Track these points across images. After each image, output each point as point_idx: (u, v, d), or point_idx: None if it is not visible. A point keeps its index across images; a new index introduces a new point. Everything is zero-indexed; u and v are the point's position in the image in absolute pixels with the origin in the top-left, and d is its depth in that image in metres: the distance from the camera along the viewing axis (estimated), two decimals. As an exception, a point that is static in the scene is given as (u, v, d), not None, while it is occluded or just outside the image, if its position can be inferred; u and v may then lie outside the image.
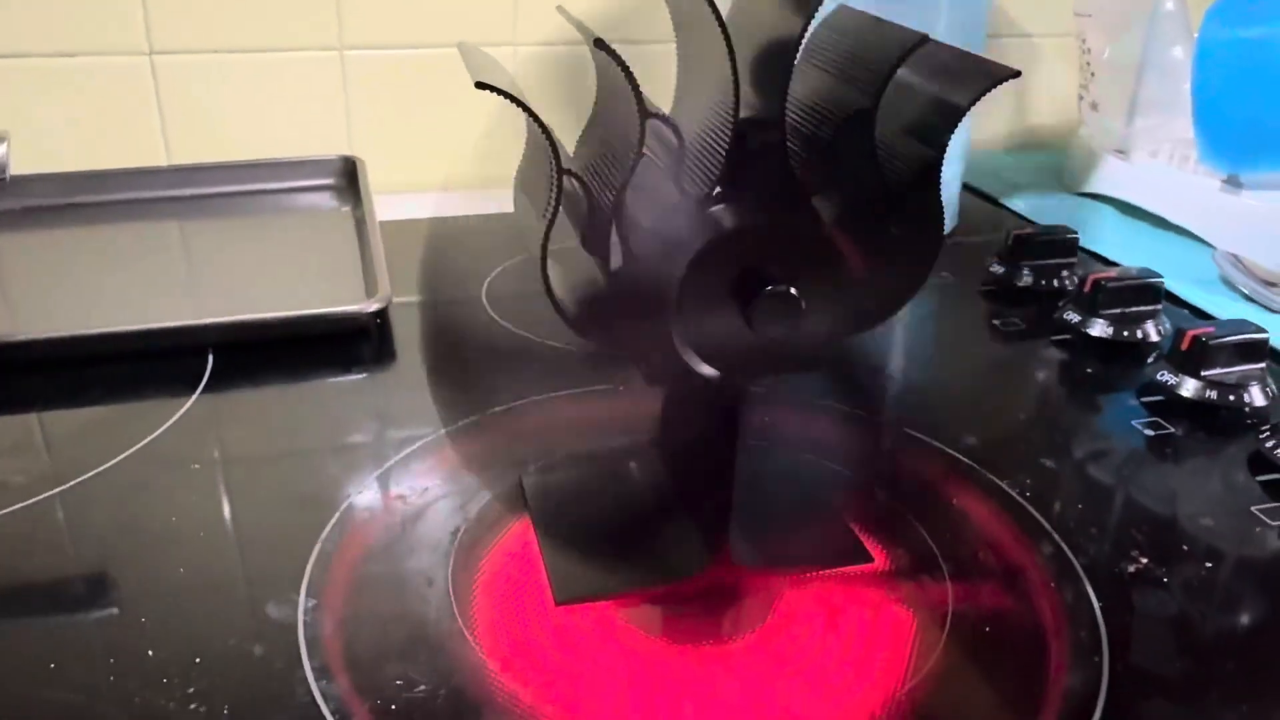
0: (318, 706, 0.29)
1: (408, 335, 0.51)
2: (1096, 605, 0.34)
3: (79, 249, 0.60)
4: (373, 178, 0.66)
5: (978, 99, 0.29)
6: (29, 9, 0.62)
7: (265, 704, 0.29)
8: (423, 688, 0.30)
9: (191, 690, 0.29)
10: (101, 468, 0.40)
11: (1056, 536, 0.37)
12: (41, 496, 0.38)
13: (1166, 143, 0.71)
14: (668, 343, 0.29)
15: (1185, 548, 0.37)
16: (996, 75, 0.29)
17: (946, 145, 0.30)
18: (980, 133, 0.81)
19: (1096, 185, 0.74)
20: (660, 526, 0.36)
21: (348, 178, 0.68)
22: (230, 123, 0.68)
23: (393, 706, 0.29)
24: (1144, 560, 0.36)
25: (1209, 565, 0.36)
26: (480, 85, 0.26)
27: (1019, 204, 0.72)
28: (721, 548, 0.35)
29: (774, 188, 0.29)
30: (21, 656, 0.31)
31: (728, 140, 0.28)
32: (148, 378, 0.47)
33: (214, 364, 0.48)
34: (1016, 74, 0.29)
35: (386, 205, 0.63)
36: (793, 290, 0.28)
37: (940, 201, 0.30)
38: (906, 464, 0.43)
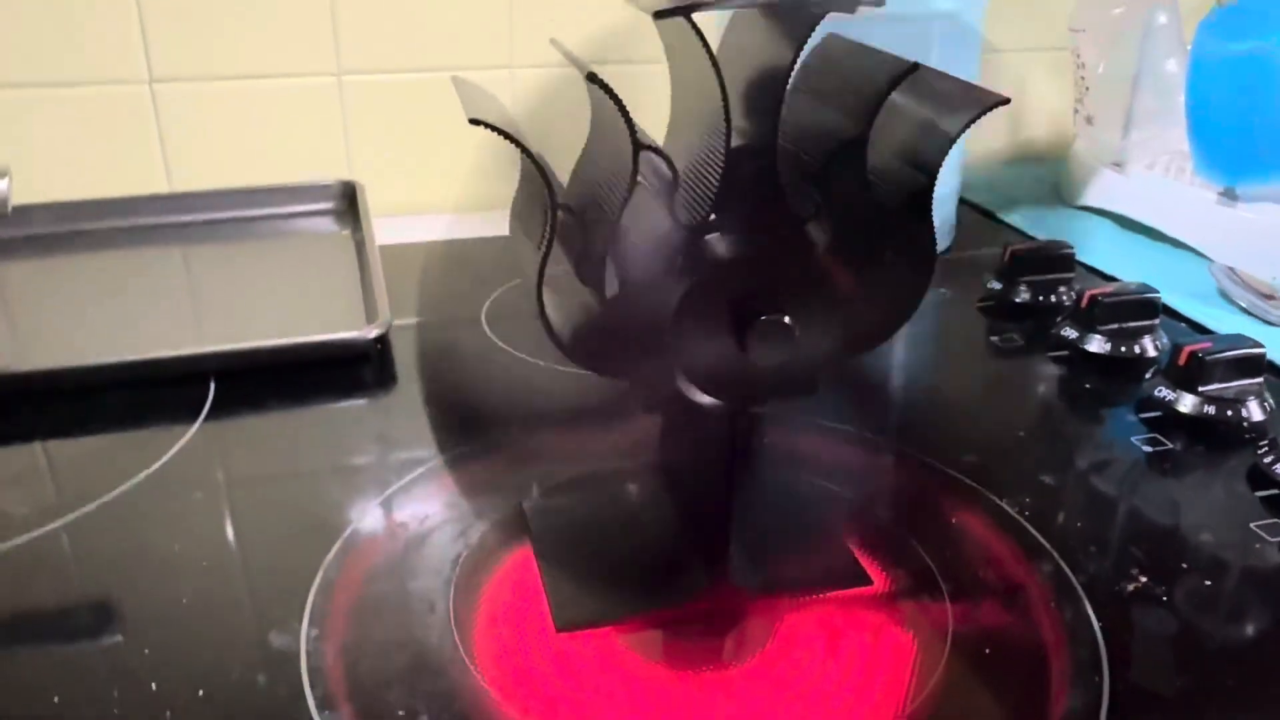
0: (320, 737, 0.29)
1: (408, 359, 0.52)
2: (1096, 624, 0.34)
3: (81, 276, 0.61)
4: (372, 201, 0.66)
5: (968, 126, 0.29)
6: (30, 38, 0.62)
7: (268, 735, 0.29)
8: (424, 717, 0.30)
9: (195, 722, 0.30)
10: (105, 498, 0.40)
11: (1056, 555, 0.37)
12: (46, 529, 0.38)
13: (1162, 155, 0.71)
14: (663, 370, 0.30)
15: (1185, 564, 0.37)
16: (986, 103, 0.29)
17: (938, 171, 0.30)
18: (976, 147, 0.81)
19: (1093, 199, 0.74)
20: (660, 552, 0.37)
21: (347, 201, 0.68)
22: (230, 148, 0.68)
23: (395, 736, 0.29)
24: (1143, 578, 0.36)
25: (1208, 582, 0.36)
26: (474, 121, 0.26)
27: (1016, 218, 0.73)
28: (721, 572, 0.35)
29: (766, 216, 0.29)
30: (26, 688, 0.31)
31: (720, 170, 0.28)
32: (149, 406, 0.47)
33: (215, 392, 0.48)
34: (1006, 101, 0.29)
35: (386, 228, 0.64)
36: (786, 318, 0.28)
37: (932, 227, 0.31)
38: (905, 483, 0.43)
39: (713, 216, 0.29)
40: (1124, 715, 0.31)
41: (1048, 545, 0.38)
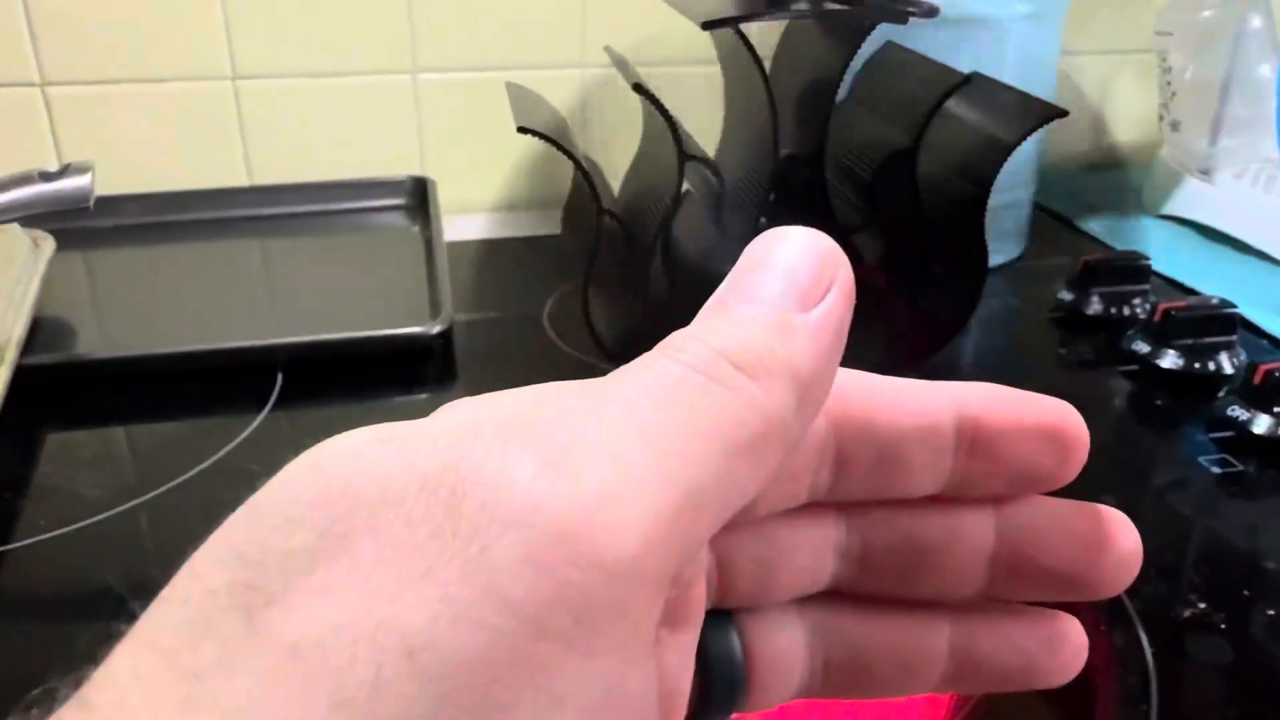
0: None
1: (470, 355, 0.53)
2: (1149, 650, 0.33)
3: (163, 266, 0.63)
4: (443, 198, 0.67)
5: (1025, 137, 0.29)
6: (119, 37, 0.65)
7: None
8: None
9: (243, 705, 0.31)
10: (174, 482, 0.42)
11: (1110, 577, 0.36)
12: (117, 510, 0.40)
13: (1252, 164, 0.69)
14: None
15: (1247, 592, 0.36)
16: (1044, 114, 0.28)
17: (992, 182, 0.29)
18: (1056, 152, 0.79)
19: (1177, 207, 0.72)
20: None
21: (419, 197, 0.70)
22: (308, 144, 0.70)
23: None
24: (1202, 605, 0.35)
25: (1270, 612, 0.35)
26: (522, 130, 0.26)
27: (1094, 226, 0.71)
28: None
29: (813, 226, 0.29)
30: (95, 661, 0.33)
31: (768, 179, 0.28)
32: (220, 395, 0.48)
33: (282, 382, 0.49)
34: (1064, 114, 0.29)
35: (455, 225, 0.65)
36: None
37: (984, 241, 0.30)
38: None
39: (761, 223, 0.29)
40: (1171, 746, 0.30)
41: (1103, 567, 0.37)
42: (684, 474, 0.14)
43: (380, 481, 0.13)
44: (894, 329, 0.29)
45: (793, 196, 0.29)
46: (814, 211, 0.29)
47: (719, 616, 0.18)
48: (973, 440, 0.17)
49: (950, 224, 0.29)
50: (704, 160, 0.27)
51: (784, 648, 0.18)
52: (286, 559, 0.13)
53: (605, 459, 0.13)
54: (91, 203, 0.41)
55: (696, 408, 0.14)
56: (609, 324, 0.29)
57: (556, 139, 0.26)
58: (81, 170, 0.40)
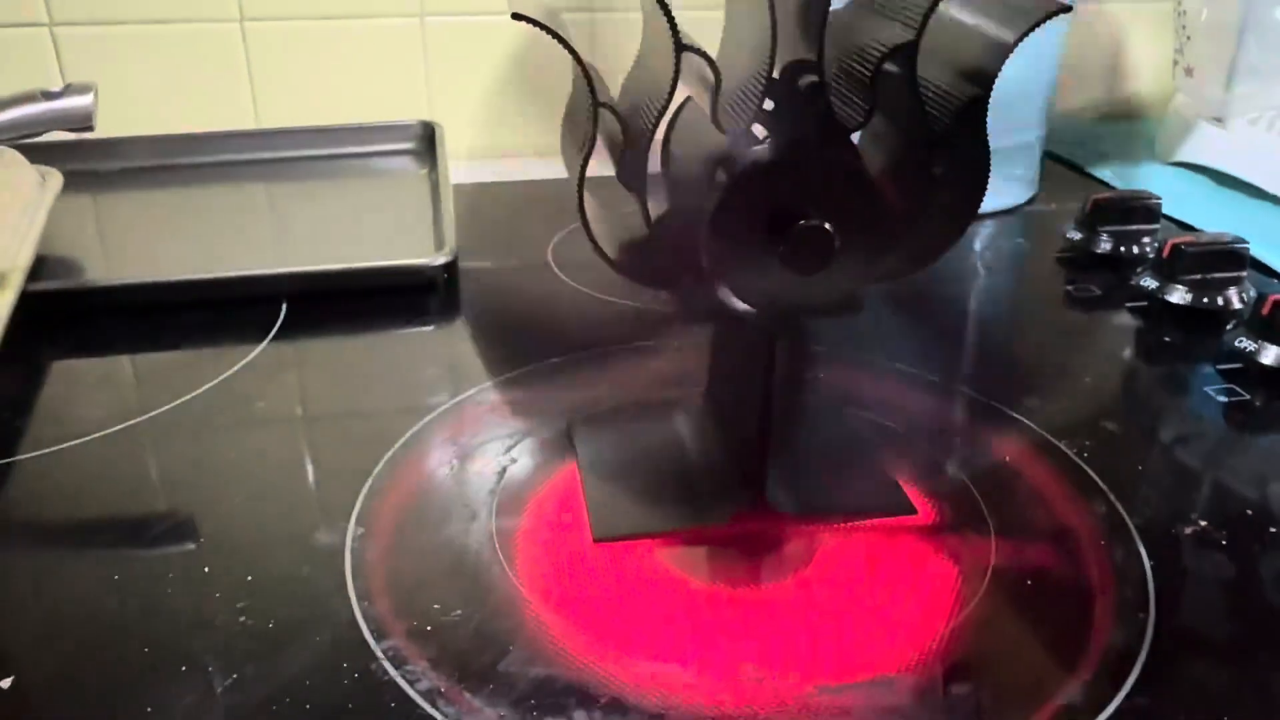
0: (358, 625, 0.30)
1: (473, 291, 0.52)
2: (1147, 563, 0.33)
3: (170, 208, 0.63)
4: (450, 143, 0.67)
5: (1027, 34, 0.28)
6: (128, -23, 0.65)
7: (309, 621, 0.30)
8: (458, 612, 0.31)
9: (241, 605, 0.31)
10: (173, 404, 0.42)
11: (1111, 496, 0.36)
12: (118, 427, 0.40)
13: (1268, 110, 0.68)
14: (704, 278, 0.30)
15: (1249, 512, 0.36)
16: (1045, 9, 0.28)
17: (992, 82, 0.29)
18: (1070, 101, 0.78)
19: (1190, 154, 0.71)
20: (702, 474, 0.37)
21: (426, 142, 0.69)
22: (316, 88, 0.70)
23: (428, 628, 0.30)
24: (1203, 522, 0.35)
25: (1273, 530, 0.35)
26: (516, 16, 0.26)
27: (1106, 173, 0.70)
28: (762, 495, 0.35)
29: (813, 125, 0.29)
30: (88, 565, 0.33)
31: (765, 77, 0.28)
32: (223, 325, 0.49)
33: (286, 313, 0.49)
34: (1067, 9, 0.28)
35: (462, 170, 0.64)
36: (826, 225, 0.28)
37: (986, 142, 0.30)
38: (960, 422, 0.42)
39: (756, 124, 0.29)
40: (1168, 653, 0.30)
41: (1104, 486, 0.37)
42: None
43: None
44: (895, 233, 0.29)
45: (789, 94, 0.29)
46: (811, 108, 0.28)
47: None
48: None
49: (950, 125, 0.29)
50: (701, 53, 0.27)
51: None
52: None
53: None
54: (94, 123, 0.41)
55: None
56: (607, 227, 0.29)
57: (552, 27, 0.26)
58: (83, 90, 0.40)
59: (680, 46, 0.27)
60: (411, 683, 0.28)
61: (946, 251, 0.31)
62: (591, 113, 0.27)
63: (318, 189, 0.66)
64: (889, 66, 0.29)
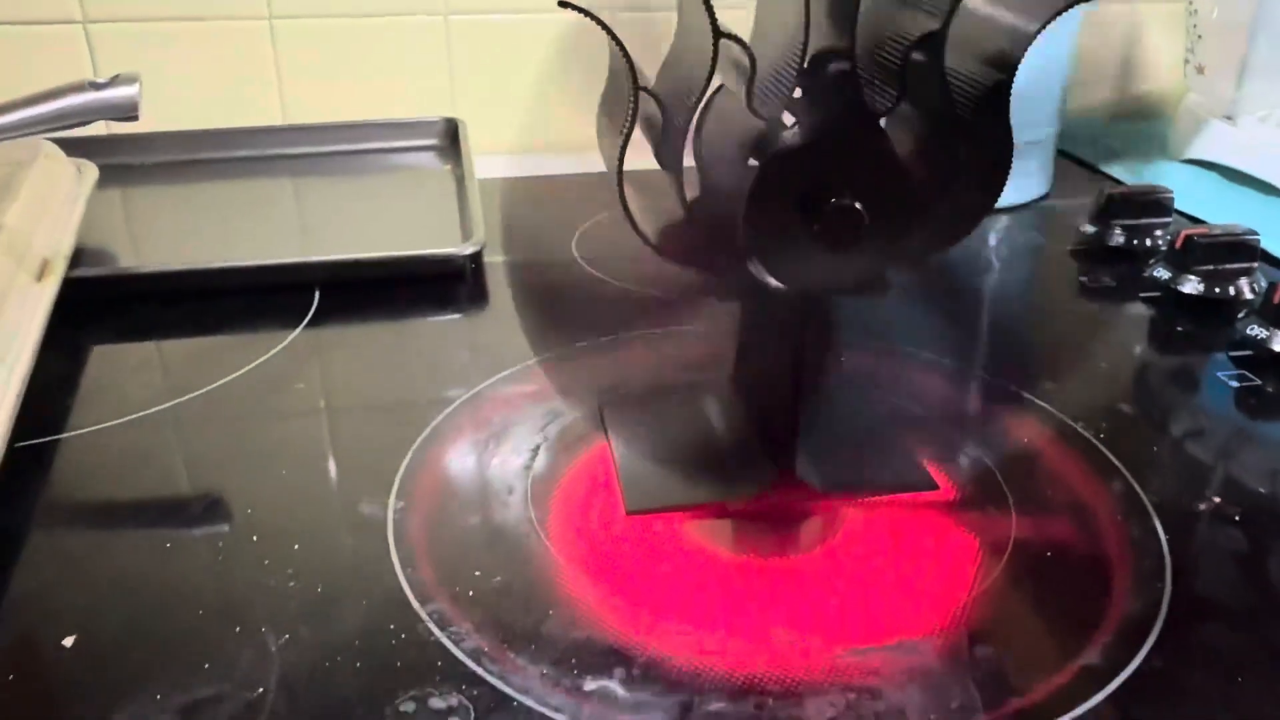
0: (403, 590, 0.31)
1: (501, 282, 0.54)
2: (1163, 537, 0.34)
3: (200, 202, 0.65)
4: (474, 139, 0.69)
5: (1049, 22, 0.29)
6: (161, -25, 0.66)
7: (356, 586, 0.31)
8: (499, 579, 0.32)
9: (290, 571, 0.32)
10: (213, 385, 0.43)
11: (1127, 474, 0.37)
12: (162, 406, 0.41)
13: (1277, 108, 0.69)
14: (739, 258, 0.31)
15: (1262, 489, 0.37)
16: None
17: (1016, 68, 0.30)
18: (1082, 100, 0.79)
19: (1201, 151, 0.72)
20: (732, 449, 0.38)
21: (450, 138, 0.71)
22: (342, 84, 0.71)
23: (470, 593, 0.31)
24: (1217, 499, 0.36)
25: (1286, 506, 0.36)
26: (563, 4, 0.27)
27: (1118, 170, 0.71)
28: (790, 470, 0.36)
29: (843, 111, 0.30)
30: (141, 534, 0.34)
31: (797, 65, 0.29)
32: (258, 312, 0.50)
33: (319, 301, 0.51)
34: (1088, -2, 0.29)
35: (486, 165, 0.66)
36: (857, 204, 0.29)
37: (1009, 125, 0.31)
38: (979, 404, 0.43)
39: (788, 110, 0.30)
40: (1184, 619, 0.31)
41: (1120, 465, 0.38)
42: None
43: None
44: (921, 212, 0.30)
45: (821, 80, 0.30)
46: (842, 94, 0.29)
47: None
48: None
49: (975, 109, 0.30)
50: (739, 40, 0.28)
51: None
52: None
53: None
54: (139, 113, 0.42)
55: None
56: (644, 208, 0.31)
57: (595, 14, 0.27)
58: (129, 81, 0.42)
59: (718, 34, 0.28)
60: (456, 642, 0.29)
61: (972, 231, 0.32)
62: (633, 95, 0.28)
63: (344, 184, 0.68)
64: (917, 55, 0.30)
